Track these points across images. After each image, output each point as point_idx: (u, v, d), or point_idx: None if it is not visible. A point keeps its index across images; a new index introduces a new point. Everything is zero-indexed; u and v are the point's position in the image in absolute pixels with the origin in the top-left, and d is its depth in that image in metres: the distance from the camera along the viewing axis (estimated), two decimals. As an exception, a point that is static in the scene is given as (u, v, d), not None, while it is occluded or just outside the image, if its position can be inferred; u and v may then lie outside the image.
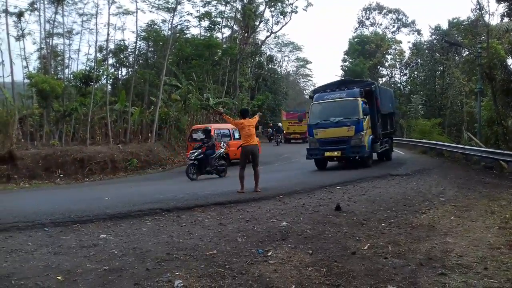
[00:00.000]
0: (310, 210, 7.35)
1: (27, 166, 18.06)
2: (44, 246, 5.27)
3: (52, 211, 7.46)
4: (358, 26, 62.34)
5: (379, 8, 61.55)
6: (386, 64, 58.76)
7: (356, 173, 13.08)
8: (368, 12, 62.12)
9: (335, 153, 14.86)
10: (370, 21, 62.32)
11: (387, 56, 58.60)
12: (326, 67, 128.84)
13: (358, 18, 63.75)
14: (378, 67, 58.18)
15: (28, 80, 23.25)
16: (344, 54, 60.02)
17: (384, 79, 57.68)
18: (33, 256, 4.84)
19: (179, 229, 6.20)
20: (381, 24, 62.43)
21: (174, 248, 5.10)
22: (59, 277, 4.10)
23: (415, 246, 5.17)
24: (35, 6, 27.66)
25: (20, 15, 26.84)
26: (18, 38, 28.25)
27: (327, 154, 14.98)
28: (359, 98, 14.93)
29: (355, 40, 59.18)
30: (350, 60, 57.46)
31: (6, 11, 24.69)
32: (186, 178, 13.80)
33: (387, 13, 61.38)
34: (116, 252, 4.95)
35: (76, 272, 4.25)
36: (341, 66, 60.02)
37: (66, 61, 33.31)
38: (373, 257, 4.76)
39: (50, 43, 30.49)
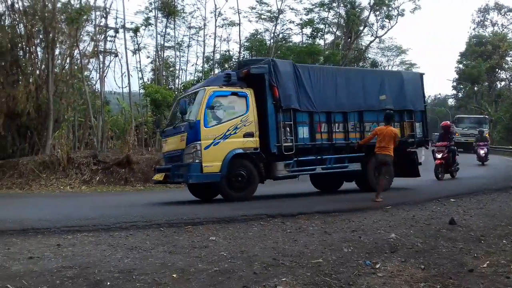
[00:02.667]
0: (421, 222, 6.96)
1: (142, 170, 19.49)
2: (160, 245, 5.64)
3: (166, 212, 8.01)
4: (476, 27, 58.29)
5: (498, 8, 56.88)
6: (506, 66, 53.99)
7: (470, 184, 12.12)
8: (484, 12, 57.76)
9: (159, 175, 10.58)
10: (489, 21, 57.92)
11: (507, 58, 53.85)
12: (436, 70, 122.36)
13: (473, 19, 59.64)
14: (497, 70, 53.68)
15: (143, 91, 25.19)
16: (459, 56, 56.48)
17: (503, 83, 53.10)
18: (151, 254, 5.19)
19: (284, 235, 6.25)
20: (499, 24, 57.66)
21: (280, 254, 5.14)
22: (174, 275, 4.35)
23: (543, 266, 4.64)
24: (150, 21, 30.02)
25: (136, 30, 29.29)
26: (134, 52, 30.87)
27: (155, 177, 10.83)
28: (206, 88, 10.07)
29: (473, 40, 55.30)
30: (466, 62, 53.81)
31: (124, 27, 27.19)
32: (287, 184, 13.71)
33: (508, 12, 56.52)
34: (225, 254, 5.13)
35: (189, 271, 4.48)
36: (455, 68, 56.60)
37: (177, 72, 35.59)
38: (493, 276, 4.36)
39: (162, 56, 32.85)
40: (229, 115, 10.00)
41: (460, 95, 61.72)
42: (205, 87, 10.19)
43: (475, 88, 55.33)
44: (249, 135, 10.05)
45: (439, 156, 14.42)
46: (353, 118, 11.43)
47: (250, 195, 10.08)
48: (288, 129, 10.43)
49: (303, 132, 10.71)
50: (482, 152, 20.60)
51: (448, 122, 15.92)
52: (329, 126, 11.05)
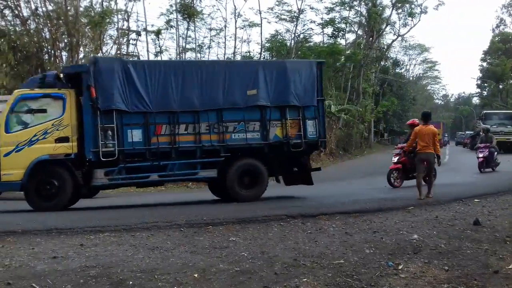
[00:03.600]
0: (444, 223, 6.83)
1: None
2: (181, 245, 5.68)
3: (187, 213, 8.06)
4: (499, 24, 57.06)
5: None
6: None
7: (496, 184, 11.82)
8: (509, 8, 56.43)
9: None
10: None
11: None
12: (460, 68, 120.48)
13: (497, 16, 58.43)
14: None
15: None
16: (483, 54, 55.49)
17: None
18: (172, 253, 5.24)
19: (305, 236, 6.22)
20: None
21: (300, 255, 5.13)
22: (196, 275, 4.38)
23: None
24: (171, 24, 30.33)
25: (158, 33, 29.59)
26: (156, 54, 31.16)
27: None
28: (14, 92, 9.70)
29: (497, 38, 54.20)
30: (489, 60, 52.82)
31: (146, 30, 27.54)
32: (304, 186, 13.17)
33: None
34: (245, 254, 5.14)
35: (210, 271, 4.50)
36: (479, 66, 55.67)
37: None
38: (519, 277, 4.27)
39: (184, 57, 33.12)
40: (39, 119, 9.18)
41: (485, 93, 60.60)
42: (14, 91, 9.62)
43: (500, 86, 54.23)
44: (63, 140, 9.20)
45: (394, 159, 12.45)
46: (207, 118, 9.91)
47: (61, 204, 9.22)
48: (110, 132, 9.36)
49: (134, 135, 9.51)
50: (481, 155, 16.05)
51: (416, 120, 13.27)
52: (173, 128, 9.74)
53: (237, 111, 10.09)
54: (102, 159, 9.20)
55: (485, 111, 34.22)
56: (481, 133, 21.79)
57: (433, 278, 4.31)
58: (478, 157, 16.15)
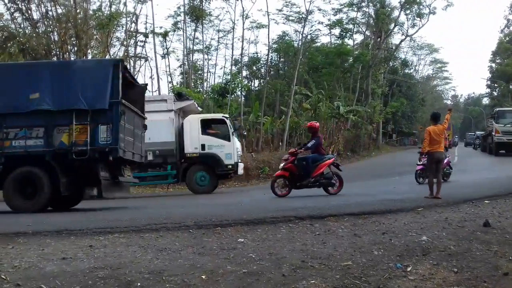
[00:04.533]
0: (454, 225, 6.77)
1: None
2: (190, 246, 5.69)
3: (195, 214, 8.07)
4: (507, 24, 56.65)
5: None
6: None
7: (507, 185, 11.71)
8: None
9: None
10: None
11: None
12: (469, 68, 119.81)
13: (504, 16, 58.13)
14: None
15: (172, 94, 25.62)
16: (491, 54, 55.26)
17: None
18: (180, 255, 5.25)
19: (313, 237, 6.20)
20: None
21: (308, 256, 5.10)
22: (203, 276, 4.38)
23: None
24: (178, 26, 30.53)
25: (165, 35, 29.81)
26: (163, 56, 31.42)
27: None
28: None
29: (506, 38, 53.87)
30: (498, 60, 52.53)
31: (153, 32, 27.73)
32: (315, 188, 12.76)
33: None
34: (253, 256, 5.13)
35: (218, 272, 4.50)
36: (488, 67, 55.39)
37: (205, 75, 36.08)
38: (529, 280, 4.23)
39: (191, 59, 33.28)
40: None
41: (495, 93, 60.16)
42: None
43: (511, 87, 53.78)
44: None
45: (281, 165, 11.72)
46: None
47: None
48: None
49: None
50: (419, 163, 13.89)
51: (316, 124, 12.48)
52: None
53: (19, 116, 9.57)
54: None
55: (498, 109, 31.57)
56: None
57: (442, 280, 4.28)
58: (417, 164, 14.27)
